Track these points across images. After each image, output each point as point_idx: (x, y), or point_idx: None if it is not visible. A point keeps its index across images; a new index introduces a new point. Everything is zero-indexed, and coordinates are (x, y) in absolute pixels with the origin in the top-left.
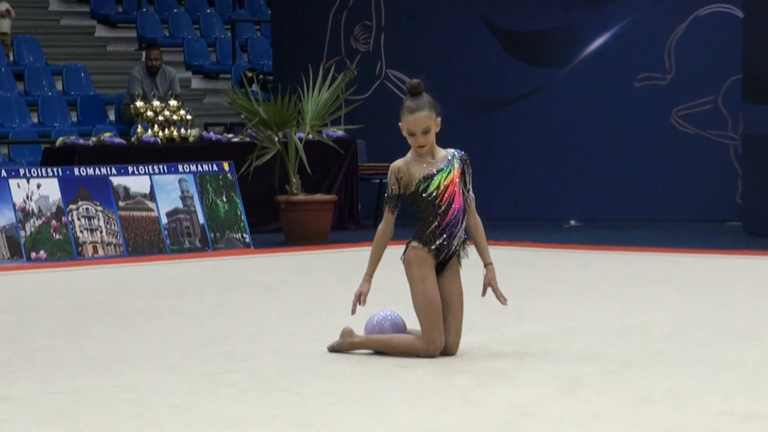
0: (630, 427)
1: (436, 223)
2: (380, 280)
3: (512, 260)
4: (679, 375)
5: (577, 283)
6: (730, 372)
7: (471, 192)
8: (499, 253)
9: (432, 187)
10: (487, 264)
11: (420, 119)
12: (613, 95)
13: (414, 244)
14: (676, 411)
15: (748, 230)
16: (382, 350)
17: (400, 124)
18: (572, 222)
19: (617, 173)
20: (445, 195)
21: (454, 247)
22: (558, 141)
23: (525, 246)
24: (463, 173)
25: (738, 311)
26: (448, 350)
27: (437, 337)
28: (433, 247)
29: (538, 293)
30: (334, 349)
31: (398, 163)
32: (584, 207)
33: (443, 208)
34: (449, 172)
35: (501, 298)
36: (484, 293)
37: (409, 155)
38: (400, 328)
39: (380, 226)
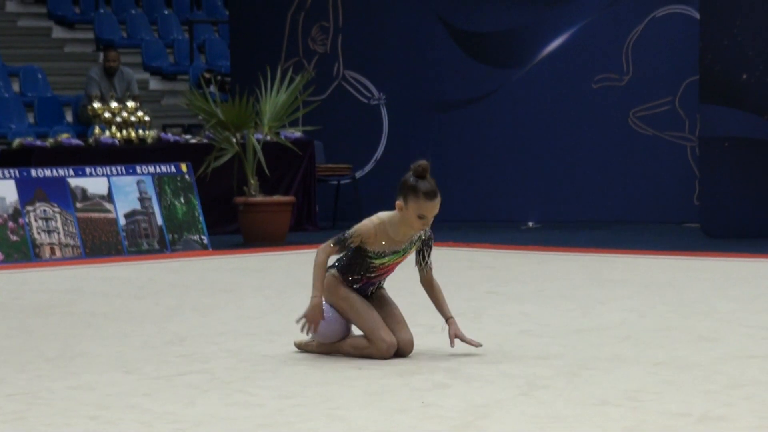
0: (588, 428)
1: (360, 278)
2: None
3: (470, 261)
4: (636, 376)
5: (534, 285)
6: (687, 373)
7: (429, 263)
8: (456, 254)
9: (377, 262)
10: (449, 318)
11: (437, 206)
12: (570, 96)
13: (334, 273)
14: (634, 412)
15: (705, 231)
16: (346, 352)
17: (400, 202)
18: (530, 223)
19: (575, 175)
20: (385, 268)
21: (372, 289)
22: (515, 142)
23: (483, 247)
24: (420, 251)
25: (695, 312)
26: (404, 348)
27: (386, 336)
28: (352, 286)
29: (495, 294)
30: (300, 346)
31: (371, 229)
32: (542, 208)
33: (374, 274)
34: (404, 254)
35: (473, 344)
36: (452, 344)
37: (385, 222)
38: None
39: (323, 256)
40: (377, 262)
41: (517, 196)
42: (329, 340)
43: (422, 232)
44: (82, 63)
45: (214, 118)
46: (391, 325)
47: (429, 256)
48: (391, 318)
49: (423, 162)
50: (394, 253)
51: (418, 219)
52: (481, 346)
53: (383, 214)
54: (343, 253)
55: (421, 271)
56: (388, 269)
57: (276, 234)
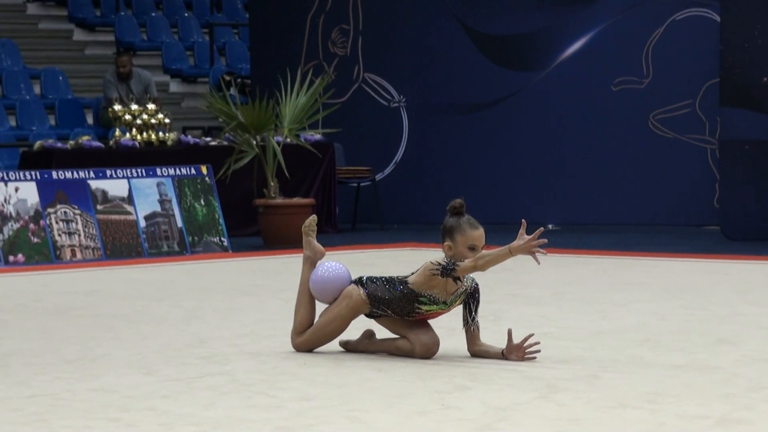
0: (607, 431)
1: (388, 314)
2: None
3: None
4: (655, 379)
5: (554, 287)
6: (706, 376)
7: (477, 322)
8: None
9: (425, 308)
10: (502, 351)
11: (483, 235)
12: (590, 99)
13: (363, 295)
14: (653, 415)
15: (725, 234)
16: (390, 352)
17: (448, 244)
18: (550, 226)
19: (595, 177)
20: (422, 316)
21: None
22: (535, 145)
23: None
24: (466, 304)
25: (715, 315)
26: (431, 348)
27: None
28: (373, 315)
29: (515, 297)
30: (347, 345)
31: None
32: (561, 211)
33: (409, 318)
34: (449, 305)
35: (532, 346)
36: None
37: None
38: (344, 276)
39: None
40: (425, 308)
41: (536, 198)
42: (319, 294)
43: (468, 285)
44: (102, 65)
45: (234, 121)
46: (417, 327)
47: (476, 311)
48: (417, 321)
49: (457, 200)
50: (443, 302)
51: (470, 251)
52: (539, 343)
53: (436, 259)
54: (384, 286)
55: (468, 331)
56: (425, 317)
57: (296, 236)
